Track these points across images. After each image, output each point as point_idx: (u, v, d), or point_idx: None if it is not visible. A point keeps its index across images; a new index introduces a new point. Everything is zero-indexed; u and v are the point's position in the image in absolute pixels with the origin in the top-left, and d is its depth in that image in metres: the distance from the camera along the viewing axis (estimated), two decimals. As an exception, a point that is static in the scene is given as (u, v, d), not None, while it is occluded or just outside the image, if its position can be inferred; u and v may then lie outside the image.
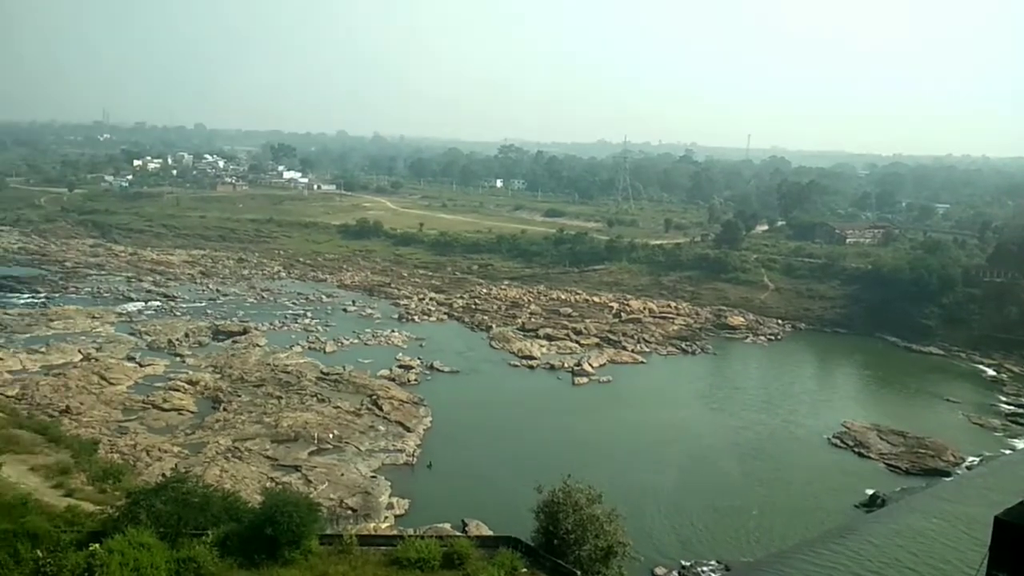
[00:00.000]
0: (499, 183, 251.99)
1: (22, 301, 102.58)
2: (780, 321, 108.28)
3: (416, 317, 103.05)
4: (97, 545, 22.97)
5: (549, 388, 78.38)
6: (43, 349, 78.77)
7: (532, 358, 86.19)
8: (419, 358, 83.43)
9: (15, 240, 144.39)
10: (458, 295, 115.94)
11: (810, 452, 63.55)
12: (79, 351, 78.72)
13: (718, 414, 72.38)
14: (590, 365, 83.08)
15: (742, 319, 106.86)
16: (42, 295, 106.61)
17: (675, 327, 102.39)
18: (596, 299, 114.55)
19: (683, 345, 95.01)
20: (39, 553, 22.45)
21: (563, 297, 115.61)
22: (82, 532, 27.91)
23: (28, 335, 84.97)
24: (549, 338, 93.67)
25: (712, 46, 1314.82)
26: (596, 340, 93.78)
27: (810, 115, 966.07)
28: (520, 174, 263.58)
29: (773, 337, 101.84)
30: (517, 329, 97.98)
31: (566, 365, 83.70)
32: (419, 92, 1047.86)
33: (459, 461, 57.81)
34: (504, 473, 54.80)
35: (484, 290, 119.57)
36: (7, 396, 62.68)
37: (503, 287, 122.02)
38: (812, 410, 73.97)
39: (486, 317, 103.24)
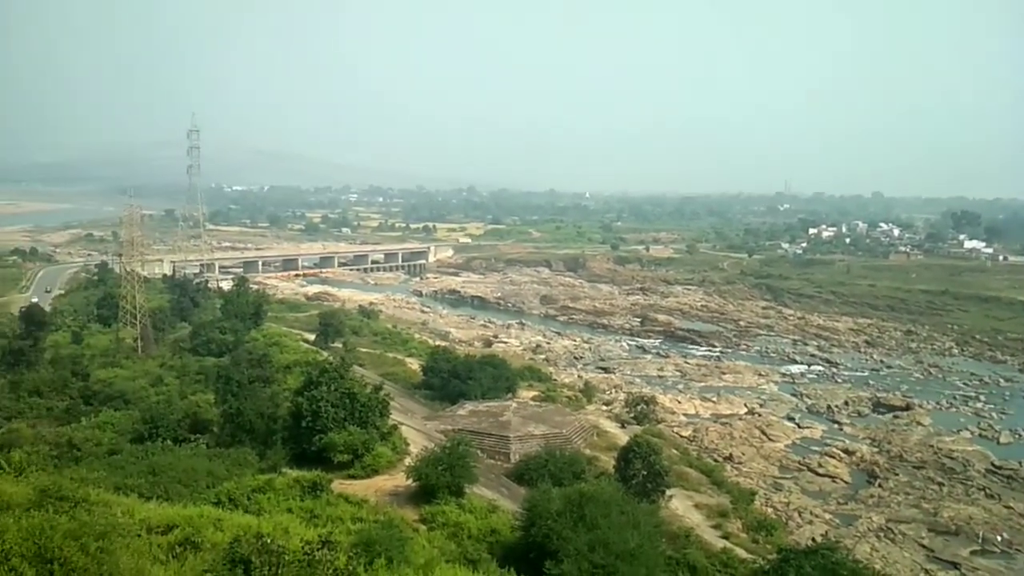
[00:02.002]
0: None
1: (700, 353, 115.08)
2: None
3: None
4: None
5: None
6: (714, 398, 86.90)
7: None
8: None
9: (699, 299, 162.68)
10: None
11: None
12: (744, 405, 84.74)
13: None
14: None
15: None
16: (717, 349, 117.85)
17: None
18: None
19: None
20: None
21: None
22: (734, 576, 29.72)
23: (702, 384, 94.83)
24: None
25: None
26: None
27: None
28: None
29: None
30: None
31: None
32: None
33: None
34: None
35: None
36: (681, 436, 70.82)
37: None
38: None
39: None
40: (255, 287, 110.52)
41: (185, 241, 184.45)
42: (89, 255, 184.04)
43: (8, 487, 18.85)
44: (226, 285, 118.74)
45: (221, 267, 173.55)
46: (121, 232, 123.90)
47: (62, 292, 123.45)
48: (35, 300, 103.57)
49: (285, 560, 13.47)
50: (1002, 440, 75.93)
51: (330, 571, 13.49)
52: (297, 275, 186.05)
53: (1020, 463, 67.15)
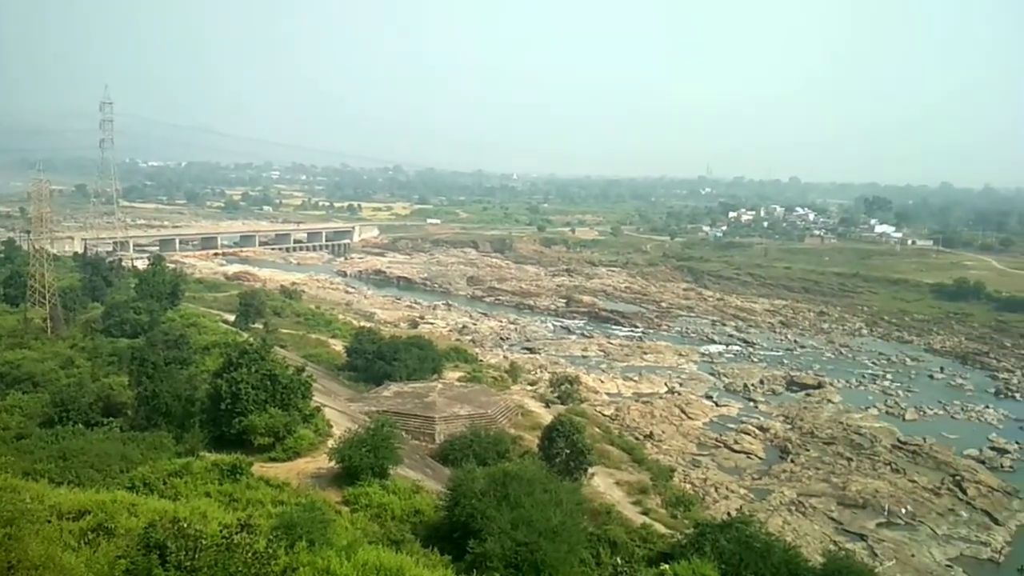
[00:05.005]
0: None
1: (623, 333, 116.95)
2: None
3: (1018, 395, 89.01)
4: (667, 566, 24.70)
5: None
6: (636, 378, 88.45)
7: None
8: (1018, 442, 71.83)
9: (622, 280, 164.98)
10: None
11: None
12: (665, 384, 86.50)
13: None
14: None
15: None
16: (639, 330, 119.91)
17: None
18: None
19: None
20: (618, 560, 24.91)
21: None
22: (653, 551, 30.48)
23: (624, 364, 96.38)
24: None
25: None
26: None
27: None
28: None
29: None
30: None
31: None
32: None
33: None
34: None
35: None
36: (604, 415, 71.93)
37: None
38: None
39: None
40: (172, 266, 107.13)
41: (97, 218, 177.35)
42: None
43: (-94, 475, 17.96)
44: (141, 264, 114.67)
45: (136, 245, 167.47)
46: (29, 208, 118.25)
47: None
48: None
49: (203, 544, 13.24)
50: (907, 417, 79.31)
51: (249, 554, 13.30)
52: (216, 254, 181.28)
53: (924, 439, 70.13)
